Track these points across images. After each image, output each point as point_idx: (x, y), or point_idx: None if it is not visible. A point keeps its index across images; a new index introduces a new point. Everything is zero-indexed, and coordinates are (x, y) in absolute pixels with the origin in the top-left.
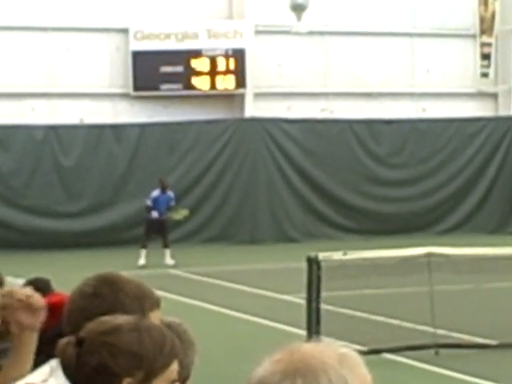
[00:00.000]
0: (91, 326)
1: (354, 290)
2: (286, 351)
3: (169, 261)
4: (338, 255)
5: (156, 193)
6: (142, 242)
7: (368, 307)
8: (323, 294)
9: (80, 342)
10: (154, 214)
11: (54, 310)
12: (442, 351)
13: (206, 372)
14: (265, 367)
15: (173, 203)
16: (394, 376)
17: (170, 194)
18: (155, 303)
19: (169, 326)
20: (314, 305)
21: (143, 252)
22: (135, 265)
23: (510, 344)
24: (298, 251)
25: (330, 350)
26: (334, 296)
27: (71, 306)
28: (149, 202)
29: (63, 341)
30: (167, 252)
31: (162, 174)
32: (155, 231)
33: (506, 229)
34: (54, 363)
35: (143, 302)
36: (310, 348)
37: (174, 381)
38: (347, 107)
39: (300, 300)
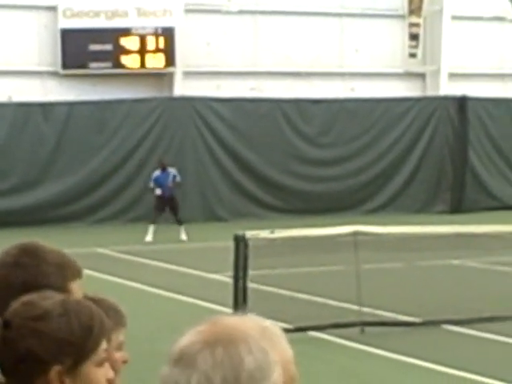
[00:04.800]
0: (18, 309)
1: (280, 268)
2: (209, 323)
3: (183, 236)
4: (265, 234)
5: (156, 173)
6: (152, 218)
7: (294, 285)
8: (250, 272)
9: (6, 325)
10: (158, 192)
11: None
12: (368, 329)
13: (133, 350)
14: (187, 338)
15: (178, 179)
16: (319, 353)
17: (171, 170)
18: (77, 273)
19: (95, 301)
20: (240, 283)
21: (151, 228)
22: (64, 243)
23: (434, 321)
24: (227, 230)
25: (253, 322)
26: (260, 274)
27: None
28: (151, 185)
29: None
30: (181, 229)
31: (90, 153)
32: (165, 209)
33: (432, 208)
34: None
35: (65, 271)
36: (232, 320)
37: (103, 361)
38: (276, 86)
39: (227, 279)
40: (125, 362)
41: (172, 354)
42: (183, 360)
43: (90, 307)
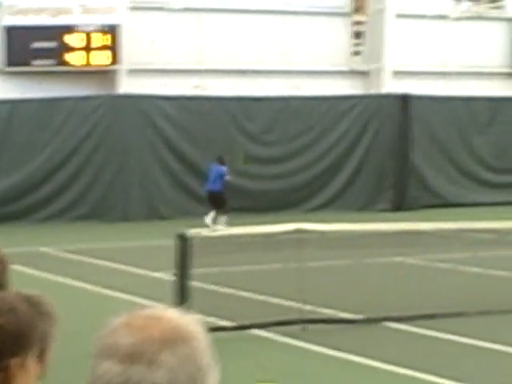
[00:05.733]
0: None
1: (223, 266)
2: (147, 318)
3: (208, 220)
4: (207, 232)
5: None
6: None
7: (237, 283)
8: (193, 270)
9: None
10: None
11: None
12: (310, 326)
13: (75, 350)
14: (131, 334)
15: (227, 177)
16: (261, 351)
17: (223, 168)
18: (8, 260)
19: (24, 297)
20: (183, 281)
21: (223, 217)
22: (6, 242)
23: (376, 319)
24: (170, 228)
25: (186, 317)
26: (203, 273)
27: None
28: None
29: None
30: (213, 215)
31: (34, 151)
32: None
33: (375, 206)
34: None
35: (4, 264)
36: (172, 315)
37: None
38: (221, 84)
39: (170, 277)
40: None
41: (115, 350)
42: (142, 358)
43: (21, 299)
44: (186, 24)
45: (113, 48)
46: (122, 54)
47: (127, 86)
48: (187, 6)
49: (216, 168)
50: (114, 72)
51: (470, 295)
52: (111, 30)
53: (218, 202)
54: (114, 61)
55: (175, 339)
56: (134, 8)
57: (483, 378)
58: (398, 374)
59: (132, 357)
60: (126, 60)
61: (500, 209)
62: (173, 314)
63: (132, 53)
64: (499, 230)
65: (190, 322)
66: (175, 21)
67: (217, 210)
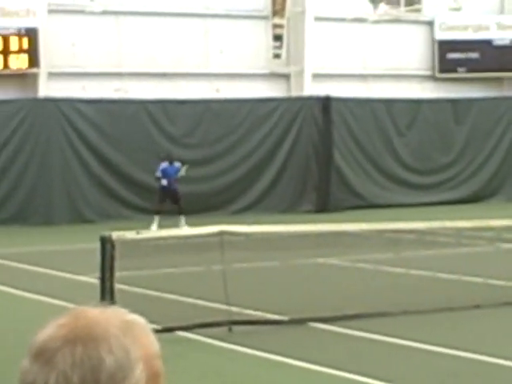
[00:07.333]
0: None
1: (147, 269)
2: (71, 316)
3: (183, 224)
4: (131, 234)
5: (164, 165)
6: (155, 209)
7: (162, 286)
8: (117, 273)
9: None
10: (164, 182)
11: None
12: (236, 328)
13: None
14: (48, 331)
15: (181, 173)
16: (187, 353)
17: (177, 164)
18: None
19: None
20: (107, 284)
21: (156, 218)
22: None
23: (301, 319)
24: (94, 232)
25: (116, 317)
26: (128, 275)
27: None
28: (158, 174)
29: None
30: (182, 218)
31: None
32: (169, 200)
33: (298, 208)
34: None
35: None
36: (95, 314)
37: None
38: (141, 87)
39: (95, 280)
40: None
41: (32, 347)
42: (43, 356)
43: None
44: (106, 27)
45: (31, 51)
46: (41, 58)
47: (47, 89)
48: (106, 8)
49: (171, 168)
50: (33, 75)
51: (392, 295)
52: (29, 33)
53: (178, 197)
54: (34, 64)
55: (76, 337)
56: (53, 11)
57: (408, 377)
58: (323, 374)
59: (36, 354)
60: (46, 63)
61: (421, 209)
62: (97, 311)
63: (51, 56)
64: (420, 231)
65: (111, 319)
66: (94, 24)
67: (180, 205)
